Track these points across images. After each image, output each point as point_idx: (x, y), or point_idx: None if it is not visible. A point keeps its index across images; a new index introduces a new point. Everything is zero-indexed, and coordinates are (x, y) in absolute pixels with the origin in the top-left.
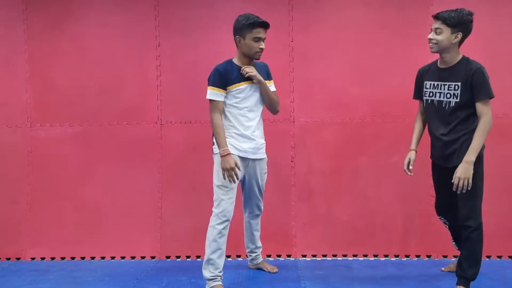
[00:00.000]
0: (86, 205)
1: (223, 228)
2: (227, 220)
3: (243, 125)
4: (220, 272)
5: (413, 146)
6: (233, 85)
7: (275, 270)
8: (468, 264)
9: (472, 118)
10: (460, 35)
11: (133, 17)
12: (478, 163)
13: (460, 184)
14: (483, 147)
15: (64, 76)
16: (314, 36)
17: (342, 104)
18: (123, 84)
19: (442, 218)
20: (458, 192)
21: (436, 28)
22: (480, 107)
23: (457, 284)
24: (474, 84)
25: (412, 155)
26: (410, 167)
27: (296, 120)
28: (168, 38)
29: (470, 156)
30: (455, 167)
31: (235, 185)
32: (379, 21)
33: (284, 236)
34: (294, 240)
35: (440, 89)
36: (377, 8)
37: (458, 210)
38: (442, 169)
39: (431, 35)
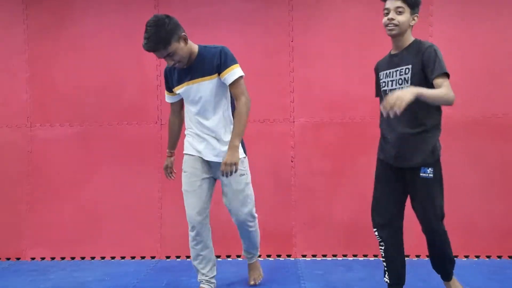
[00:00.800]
0: (86, 205)
1: (194, 235)
2: (193, 227)
3: (199, 124)
4: (205, 276)
5: None
6: (175, 88)
7: (252, 283)
8: (444, 264)
9: (428, 110)
10: (416, 18)
11: (133, 17)
12: (436, 166)
13: None
14: (440, 147)
15: (64, 76)
16: (314, 36)
17: (342, 104)
18: (123, 84)
19: (379, 234)
20: None
21: (397, 8)
22: (438, 81)
23: (445, 280)
24: (426, 62)
25: None
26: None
27: (296, 120)
28: None
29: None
30: (411, 168)
31: (195, 189)
32: (379, 21)
33: (284, 236)
34: (294, 240)
35: (392, 76)
36: (377, 8)
37: (418, 217)
38: (394, 170)
39: (392, 15)
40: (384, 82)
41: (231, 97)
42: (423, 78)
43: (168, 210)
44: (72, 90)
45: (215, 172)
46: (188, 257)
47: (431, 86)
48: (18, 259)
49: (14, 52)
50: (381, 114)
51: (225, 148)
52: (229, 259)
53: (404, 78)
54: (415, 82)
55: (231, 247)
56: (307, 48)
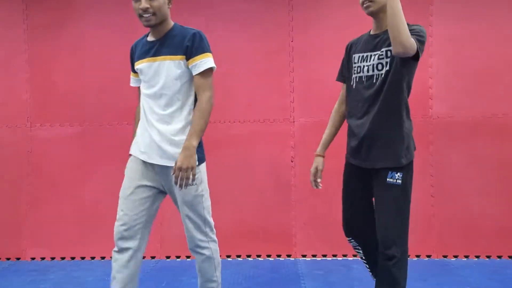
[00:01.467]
0: (86, 205)
1: (117, 257)
2: (116, 245)
3: (150, 111)
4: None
5: (321, 151)
6: (135, 64)
7: None
8: None
9: (405, 105)
10: None
11: (133, 17)
12: (406, 171)
13: None
14: (414, 147)
15: (64, 76)
16: (314, 36)
17: None
18: (123, 84)
19: (352, 240)
20: None
21: None
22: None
23: None
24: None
25: (319, 163)
26: (318, 179)
27: (296, 120)
28: None
29: None
30: (377, 171)
31: (126, 197)
32: None
33: (284, 236)
34: (294, 240)
35: (369, 60)
36: None
37: (377, 231)
38: (362, 172)
39: None
40: (359, 67)
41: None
42: (404, 64)
43: (168, 210)
44: (72, 90)
45: (163, 180)
46: (188, 257)
47: (410, 75)
48: (18, 259)
49: (14, 52)
50: (352, 106)
51: (176, 149)
52: (229, 259)
53: (385, 63)
54: (395, 68)
55: (231, 247)
56: (307, 48)
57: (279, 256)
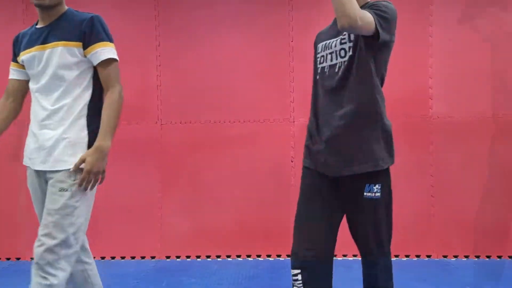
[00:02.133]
0: None
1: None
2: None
3: (38, 107)
4: None
5: None
6: (20, 54)
7: None
8: None
9: (379, 97)
10: None
11: (133, 17)
12: (385, 177)
13: None
14: (393, 149)
15: None
16: (314, 36)
17: None
18: (123, 84)
19: (300, 278)
20: None
21: None
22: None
23: None
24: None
25: None
26: None
27: (296, 120)
28: (168, 38)
29: None
30: (350, 178)
31: (39, 213)
32: None
33: (284, 236)
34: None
35: (332, 47)
36: None
37: (359, 242)
38: (324, 181)
39: None
40: (323, 56)
41: (95, 85)
42: (368, 47)
43: (168, 210)
44: None
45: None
46: (188, 257)
47: (379, 62)
48: (18, 259)
49: None
50: (311, 101)
51: (62, 151)
52: (229, 259)
53: (348, 48)
54: (359, 54)
55: (231, 247)
56: (307, 48)
57: (279, 256)
